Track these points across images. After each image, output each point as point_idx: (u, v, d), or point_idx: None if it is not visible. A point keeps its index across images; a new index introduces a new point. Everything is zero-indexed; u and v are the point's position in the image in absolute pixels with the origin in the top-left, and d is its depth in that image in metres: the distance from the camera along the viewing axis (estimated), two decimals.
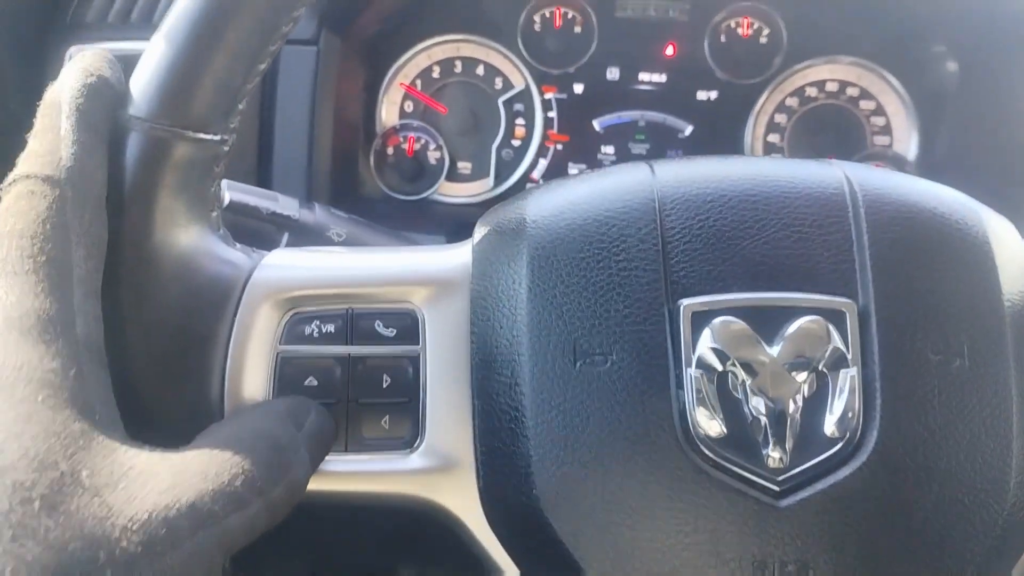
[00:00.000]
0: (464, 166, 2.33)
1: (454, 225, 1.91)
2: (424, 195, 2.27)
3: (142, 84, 0.74)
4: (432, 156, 2.29)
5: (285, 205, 1.35)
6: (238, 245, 0.85)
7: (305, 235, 1.34)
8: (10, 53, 1.55)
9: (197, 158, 0.76)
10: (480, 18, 2.26)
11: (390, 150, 2.29)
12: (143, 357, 0.75)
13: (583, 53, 2.09)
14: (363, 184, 2.28)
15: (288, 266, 0.86)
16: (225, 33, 0.75)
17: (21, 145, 0.68)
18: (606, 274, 0.79)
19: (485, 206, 2.23)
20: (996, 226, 0.84)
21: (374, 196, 2.27)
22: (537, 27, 2.26)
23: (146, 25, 1.94)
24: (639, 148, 2.34)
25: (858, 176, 0.86)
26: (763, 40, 2.26)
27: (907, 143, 2.29)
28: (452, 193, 2.33)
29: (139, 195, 0.75)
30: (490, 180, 2.32)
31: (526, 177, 2.32)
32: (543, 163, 2.33)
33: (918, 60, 2.23)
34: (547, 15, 2.27)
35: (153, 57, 0.75)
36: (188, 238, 0.78)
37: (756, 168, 0.92)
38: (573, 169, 2.33)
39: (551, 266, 0.80)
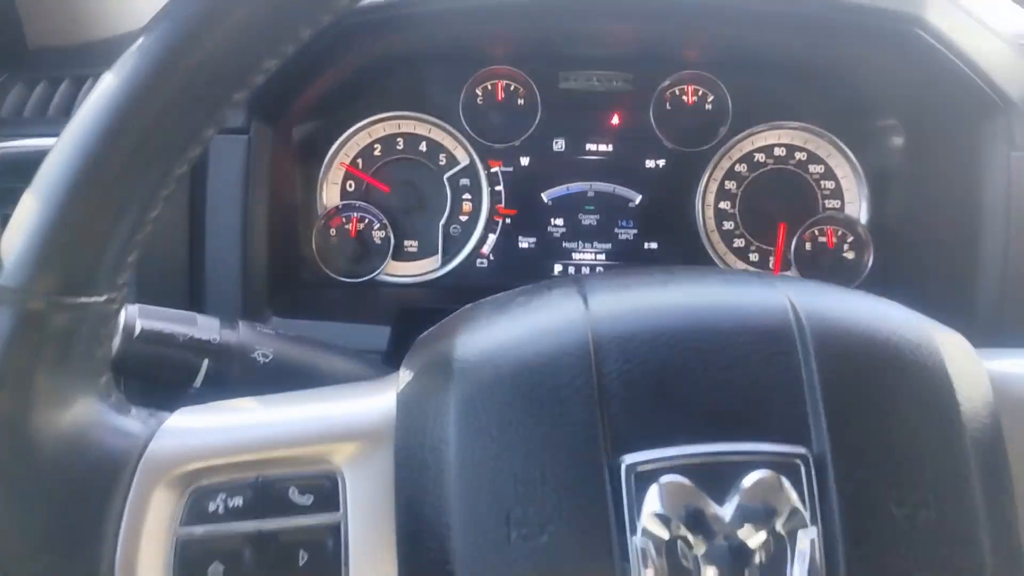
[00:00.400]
0: (411, 244, 2.26)
1: (401, 310, 1.80)
2: (370, 276, 2.19)
3: (11, 248, 0.65)
4: (376, 236, 2.22)
5: (204, 327, 1.26)
6: (133, 410, 0.77)
7: (227, 359, 1.25)
8: None
9: (80, 325, 0.68)
10: (420, 94, 2.20)
11: (332, 231, 2.21)
12: (18, 560, 0.65)
13: (527, 126, 2.06)
14: (306, 269, 2.18)
15: (189, 431, 0.77)
16: (107, 183, 0.66)
17: None
18: (539, 430, 0.72)
19: (434, 286, 2.16)
20: (951, 350, 0.78)
21: (318, 281, 2.18)
22: (479, 101, 2.21)
23: (63, 119, 1.84)
24: (589, 219, 2.28)
25: (804, 303, 0.79)
26: (708, 107, 2.23)
27: (858, 205, 2.26)
28: (399, 273, 2.25)
29: (11, 378, 0.66)
30: (438, 258, 2.25)
31: (476, 253, 2.25)
32: (492, 238, 2.26)
33: (865, 130, 2.20)
34: (488, 88, 2.22)
35: (23, 216, 0.66)
36: (71, 416, 0.69)
37: (697, 295, 0.85)
38: (523, 243, 2.27)
39: (479, 422, 0.72)
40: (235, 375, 1.32)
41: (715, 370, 0.74)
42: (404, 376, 0.82)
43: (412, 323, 1.94)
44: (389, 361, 1.73)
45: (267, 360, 1.31)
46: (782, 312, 0.77)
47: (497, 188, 2.10)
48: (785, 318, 0.76)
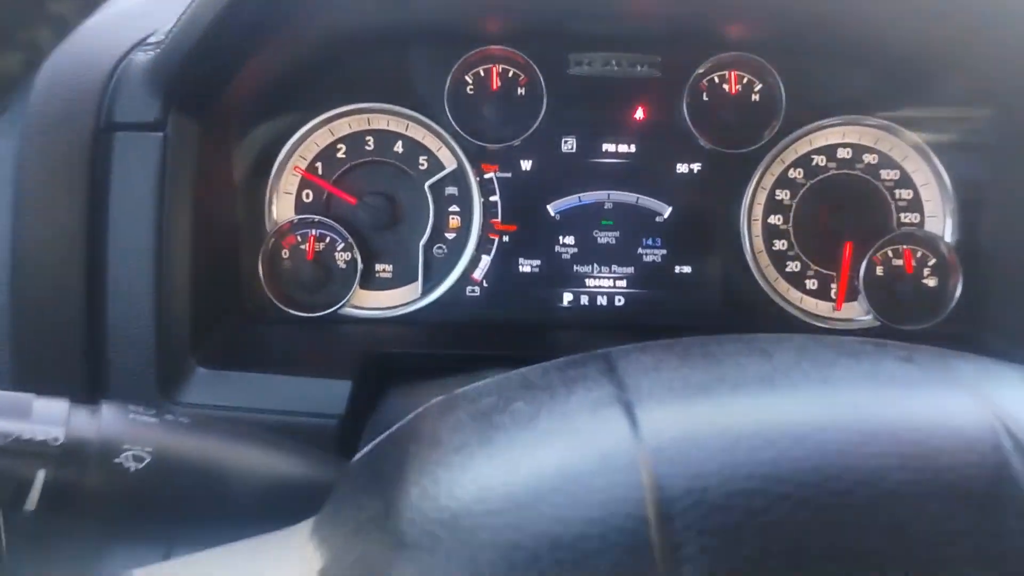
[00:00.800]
0: (383, 269, 1.81)
1: (366, 358, 1.55)
2: (331, 309, 1.74)
3: None
4: (340, 258, 1.78)
5: (43, 419, 0.81)
6: None
7: (79, 465, 0.80)
8: None
9: None
10: (395, 82, 1.78)
11: (285, 254, 1.77)
12: None
13: (530, 121, 1.77)
14: (250, 300, 1.73)
15: None
16: None
17: None
18: None
19: (412, 322, 1.72)
20: None
21: (264, 316, 1.72)
22: (469, 90, 1.77)
23: None
24: (606, 236, 1.84)
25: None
26: (755, 98, 1.81)
27: (941, 220, 1.83)
28: (369, 304, 1.81)
29: None
30: (418, 286, 1.81)
31: (465, 279, 1.82)
32: (486, 260, 1.83)
33: (952, 126, 1.80)
34: (481, 75, 1.78)
35: None
36: None
37: (826, 408, 0.57)
38: (525, 266, 1.83)
39: None
40: (91, 488, 0.87)
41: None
42: (324, 544, 0.57)
43: (379, 375, 1.45)
44: (346, 439, 1.42)
45: (142, 465, 0.86)
46: (992, 456, 0.50)
47: (492, 198, 1.83)
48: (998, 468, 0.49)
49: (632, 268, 1.84)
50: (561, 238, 1.84)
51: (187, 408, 1.45)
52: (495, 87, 1.77)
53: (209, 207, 1.57)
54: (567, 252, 1.84)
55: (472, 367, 1.61)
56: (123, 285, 1.42)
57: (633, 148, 1.81)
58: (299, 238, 1.78)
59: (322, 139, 1.79)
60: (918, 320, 1.79)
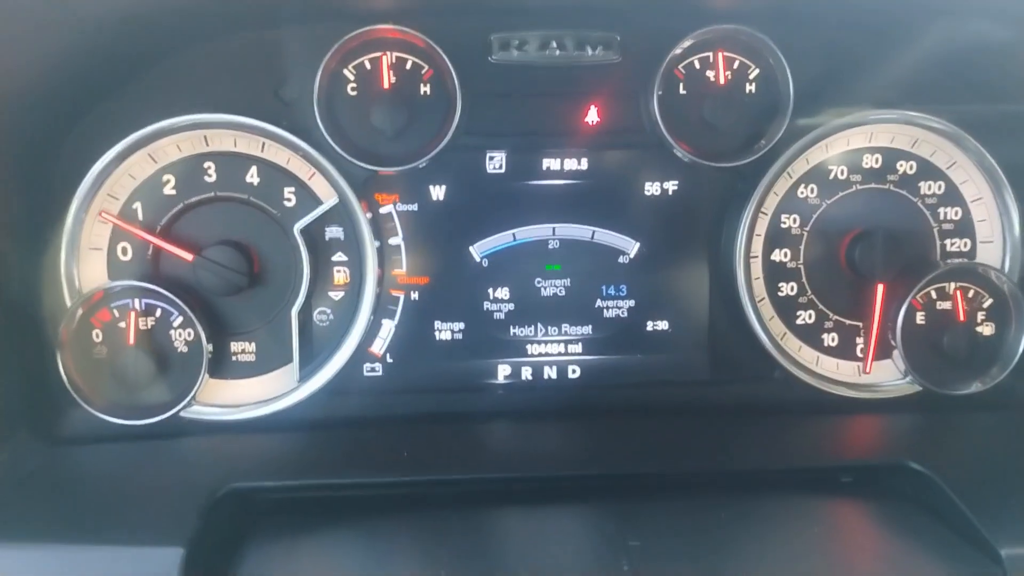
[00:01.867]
0: (242, 349, 1.34)
1: (216, 501, 1.11)
2: (167, 414, 1.22)
3: None
4: (178, 338, 1.26)
5: None
6: None
7: None
8: None
9: None
10: (241, 80, 1.28)
11: (97, 335, 1.25)
12: None
13: (439, 131, 1.31)
14: (45, 410, 1.20)
15: None
16: None
17: None
18: None
19: (286, 421, 1.30)
20: None
21: (69, 431, 1.21)
22: (351, 89, 1.26)
23: None
24: (553, 286, 1.38)
25: None
26: (752, 88, 1.36)
27: (1000, 247, 1.42)
28: (224, 400, 1.31)
29: None
30: (294, 369, 1.29)
31: (361, 353, 1.34)
32: (388, 326, 1.34)
33: (1016, 122, 1.37)
34: (367, 67, 1.26)
35: None
36: None
37: None
38: (443, 331, 1.37)
39: None
40: None
41: None
42: None
43: (231, 530, 1.11)
44: None
45: None
46: None
47: (392, 241, 1.38)
48: None
49: (589, 327, 1.43)
50: (491, 291, 1.41)
51: None
52: (387, 84, 1.30)
53: None
54: (500, 310, 1.42)
55: (371, 499, 1.15)
56: None
57: (585, 164, 1.40)
58: (115, 313, 1.26)
59: (140, 169, 1.29)
60: (971, 381, 1.40)
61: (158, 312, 1.29)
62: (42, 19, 1.01)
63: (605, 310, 1.40)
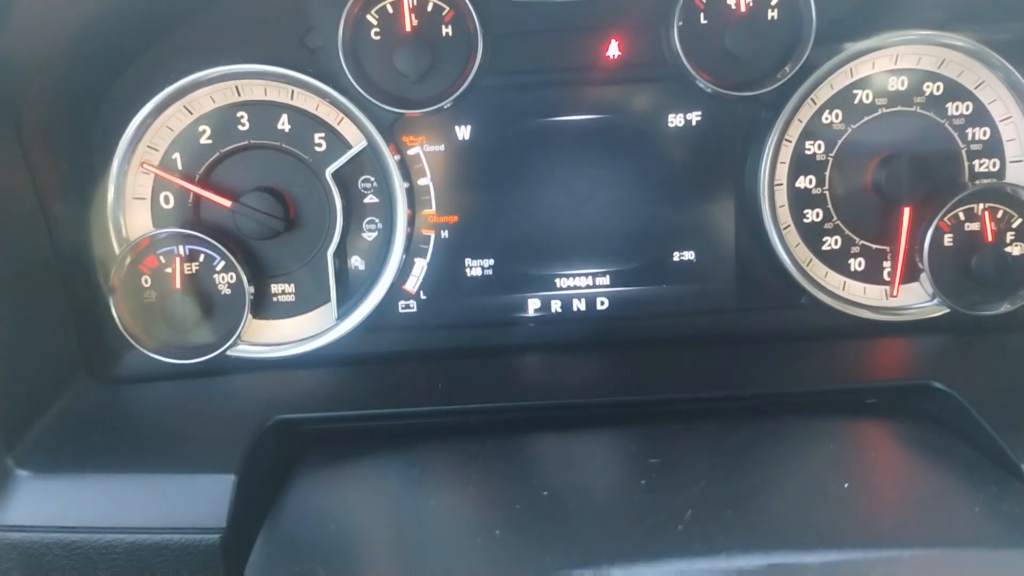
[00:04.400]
0: (282, 291, 1.38)
1: (261, 432, 1.16)
2: (214, 353, 1.29)
3: None
4: (221, 282, 1.32)
5: None
6: None
7: None
8: None
9: None
10: (268, 31, 1.31)
11: (145, 280, 1.31)
12: None
13: (462, 72, 1.32)
14: (98, 352, 1.28)
15: None
16: None
17: None
18: None
19: (327, 357, 1.39)
20: None
21: (123, 371, 1.29)
22: (375, 34, 1.29)
23: None
24: (579, 220, 1.39)
25: None
26: (773, 15, 1.34)
27: None
28: (268, 339, 1.40)
29: None
30: (332, 308, 1.35)
31: (395, 292, 1.38)
32: (421, 264, 1.38)
33: None
34: (389, 11, 1.29)
35: None
36: None
37: None
38: (474, 267, 1.40)
39: None
40: None
41: None
42: None
43: (277, 456, 1.17)
44: (233, 556, 1.06)
45: None
46: None
47: (421, 182, 1.40)
48: None
49: (616, 260, 1.44)
50: (519, 227, 1.42)
51: (5, 533, 1.07)
52: (409, 28, 1.32)
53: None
54: (528, 245, 1.43)
55: (408, 428, 1.21)
56: None
57: (607, 98, 1.39)
58: (161, 259, 1.32)
59: (177, 121, 1.33)
60: (999, 302, 1.39)
61: (201, 257, 1.34)
62: None
63: (631, 242, 1.41)
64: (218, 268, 1.34)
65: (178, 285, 1.33)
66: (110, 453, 1.17)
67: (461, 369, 1.35)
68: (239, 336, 1.34)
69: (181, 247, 1.33)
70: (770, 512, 0.99)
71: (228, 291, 1.35)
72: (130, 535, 1.06)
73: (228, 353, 1.34)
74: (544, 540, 0.95)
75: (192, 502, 1.08)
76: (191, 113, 1.32)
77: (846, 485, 1.01)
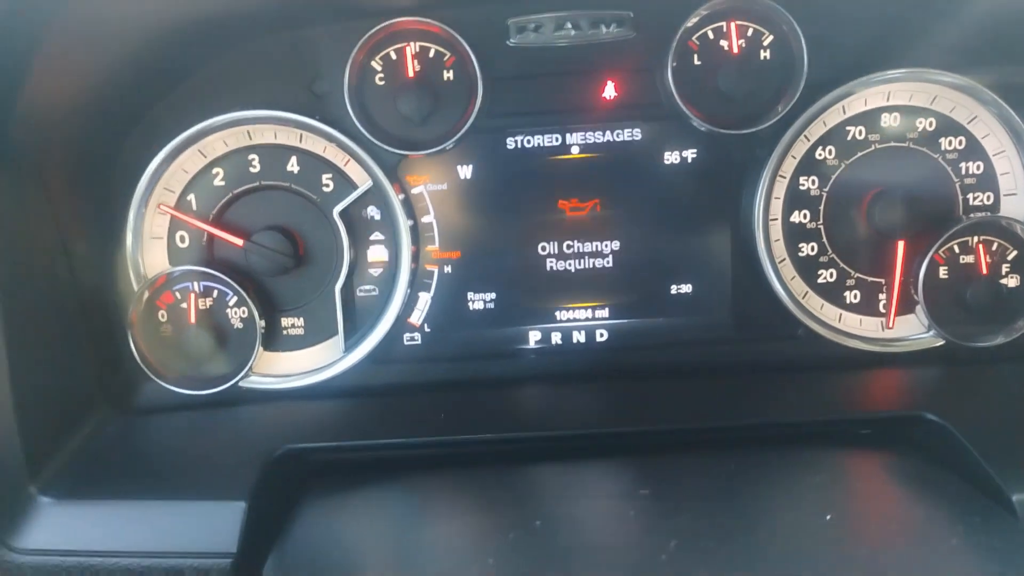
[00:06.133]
0: (292, 324, 1.44)
1: (270, 461, 1.21)
2: (227, 384, 1.34)
3: None
4: (234, 316, 1.38)
5: None
6: None
7: None
8: None
9: None
10: (278, 80, 1.38)
11: (162, 315, 1.38)
12: None
13: (463, 115, 1.37)
14: (115, 384, 1.34)
15: None
16: None
17: None
18: None
19: (335, 388, 1.44)
20: None
21: (140, 401, 1.35)
22: (379, 80, 1.34)
23: None
24: (578, 254, 1.44)
25: None
26: (766, 55, 1.38)
27: (1022, 197, 1.42)
28: (279, 371, 1.43)
29: None
30: (339, 341, 1.40)
31: (401, 324, 1.42)
32: (425, 298, 1.42)
33: None
34: (393, 58, 1.34)
35: None
36: None
37: None
38: (476, 301, 1.44)
39: None
40: None
41: None
42: None
43: (286, 484, 1.21)
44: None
45: None
46: None
47: (425, 219, 1.46)
48: None
49: (615, 292, 1.46)
50: (519, 262, 1.46)
51: (27, 556, 1.12)
52: (412, 73, 1.36)
53: (19, 280, 1.16)
54: (529, 279, 1.47)
55: (412, 457, 1.25)
56: None
57: (604, 136, 1.42)
58: (177, 295, 1.38)
59: (191, 164, 1.39)
60: (995, 333, 1.40)
61: (215, 293, 1.39)
62: (96, 36, 1.12)
63: (629, 275, 1.44)
64: (231, 303, 1.40)
65: (193, 320, 1.38)
66: (127, 481, 1.21)
67: (464, 400, 1.39)
68: (251, 368, 1.39)
69: (196, 283, 1.39)
70: (757, 543, 1.02)
71: (240, 325, 1.40)
72: (145, 559, 1.10)
73: (240, 384, 1.39)
74: (534, 569, 0.99)
75: (205, 528, 1.12)
76: (205, 156, 1.38)
77: (828, 517, 1.04)
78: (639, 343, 1.46)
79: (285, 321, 1.44)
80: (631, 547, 1.02)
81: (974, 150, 1.39)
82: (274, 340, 1.43)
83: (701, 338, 1.45)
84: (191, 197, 1.39)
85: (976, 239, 1.38)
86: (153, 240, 1.40)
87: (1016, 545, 0.97)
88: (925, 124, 1.38)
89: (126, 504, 1.16)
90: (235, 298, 1.39)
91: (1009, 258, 1.39)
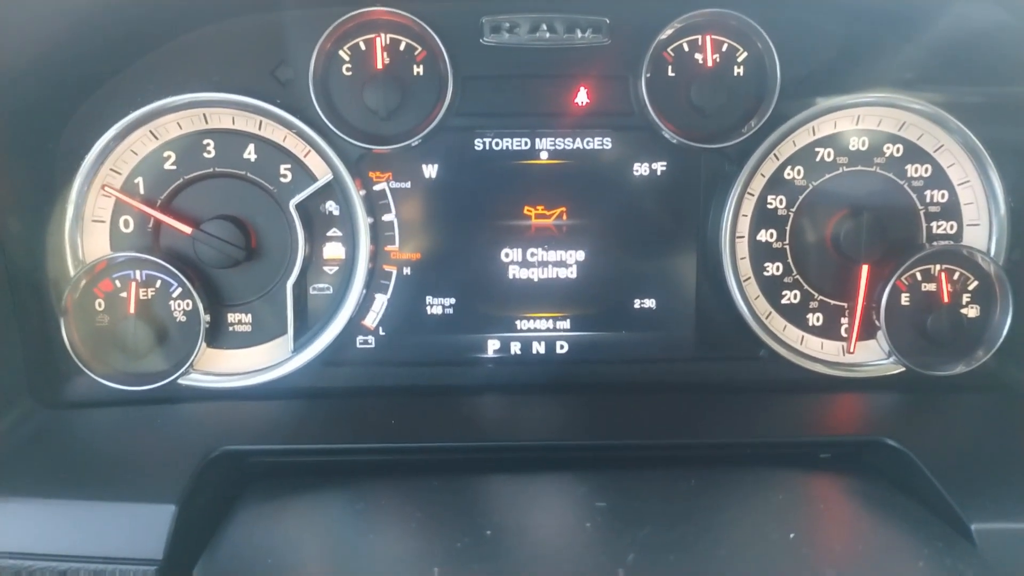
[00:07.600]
0: (238, 320, 1.36)
1: (208, 462, 1.14)
2: (165, 380, 1.27)
3: None
4: (177, 308, 1.30)
5: None
6: None
7: None
8: None
9: None
10: (239, 63, 1.32)
11: (99, 304, 1.29)
12: None
13: (432, 111, 1.34)
14: (46, 376, 1.25)
15: None
16: None
17: None
18: None
19: (281, 389, 1.38)
20: None
21: (71, 395, 1.26)
22: (346, 70, 1.30)
23: None
24: (542, 263, 1.38)
25: None
26: (740, 71, 1.37)
27: (986, 230, 1.43)
28: (221, 369, 1.35)
29: None
30: (288, 340, 1.33)
31: (354, 326, 1.35)
32: (381, 300, 1.37)
33: (1006, 104, 1.37)
34: (361, 48, 1.29)
35: None
36: None
37: None
38: (434, 306, 1.39)
39: None
40: None
41: None
42: None
43: (221, 489, 1.14)
44: None
45: None
46: None
47: (385, 217, 1.40)
48: None
49: (578, 304, 1.42)
50: (481, 267, 1.42)
51: None
52: (380, 65, 1.33)
53: None
54: (490, 286, 1.43)
55: (359, 465, 1.19)
56: None
57: (574, 143, 1.40)
58: (117, 284, 1.30)
59: (142, 145, 1.32)
60: (955, 363, 1.40)
61: (158, 283, 1.32)
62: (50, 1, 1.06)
63: (593, 287, 1.41)
64: (174, 295, 1.32)
65: (132, 310, 1.31)
66: (48, 479, 1.12)
67: (417, 407, 1.33)
68: (191, 365, 1.31)
69: (138, 272, 1.31)
70: (716, 558, 0.98)
71: (183, 318, 1.33)
72: (62, 563, 1.03)
73: (180, 381, 1.32)
74: None
75: (129, 532, 1.04)
76: (157, 138, 1.31)
77: (791, 535, 1.01)
78: (600, 357, 1.42)
79: (232, 317, 1.36)
80: (586, 559, 0.97)
81: (939, 178, 1.40)
82: (219, 336, 1.36)
83: (662, 355, 1.42)
84: (139, 180, 1.32)
85: (938, 267, 1.39)
86: (94, 223, 1.32)
87: (978, 571, 0.96)
88: (893, 150, 1.39)
89: (45, 503, 1.08)
90: (179, 289, 1.32)
91: (970, 288, 1.39)
